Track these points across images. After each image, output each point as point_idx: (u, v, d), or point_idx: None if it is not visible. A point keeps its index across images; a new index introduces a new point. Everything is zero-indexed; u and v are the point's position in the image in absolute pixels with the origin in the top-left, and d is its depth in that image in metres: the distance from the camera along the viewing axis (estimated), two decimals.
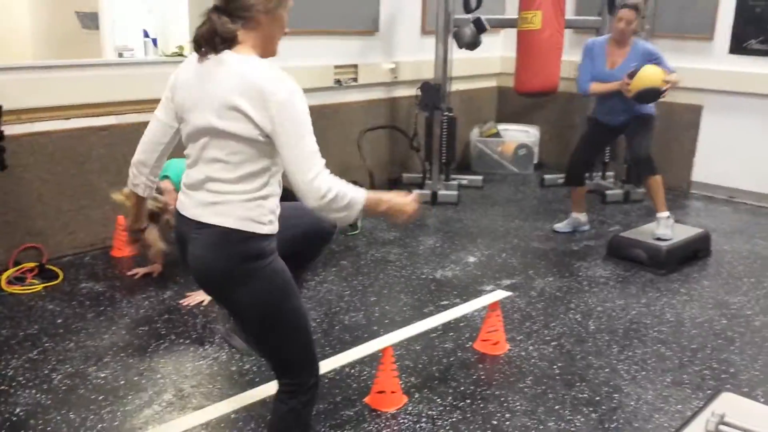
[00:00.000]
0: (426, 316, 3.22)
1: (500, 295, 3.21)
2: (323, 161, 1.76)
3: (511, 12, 6.25)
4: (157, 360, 2.97)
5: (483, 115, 6.74)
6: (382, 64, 5.63)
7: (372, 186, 5.34)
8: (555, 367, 2.99)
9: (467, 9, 5.33)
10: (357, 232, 4.59)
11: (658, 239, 4.21)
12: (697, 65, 5.56)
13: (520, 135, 6.52)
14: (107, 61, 4.42)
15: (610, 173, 5.92)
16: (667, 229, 4.27)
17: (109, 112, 4.17)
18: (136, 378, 2.82)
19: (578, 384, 2.86)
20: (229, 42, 1.78)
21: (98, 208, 4.18)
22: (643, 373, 2.97)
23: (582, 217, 4.80)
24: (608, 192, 5.61)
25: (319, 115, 5.25)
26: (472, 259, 4.22)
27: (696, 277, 4.09)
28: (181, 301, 3.52)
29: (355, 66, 5.43)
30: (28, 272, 3.76)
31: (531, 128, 6.57)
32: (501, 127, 6.59)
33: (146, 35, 4.36)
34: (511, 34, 6.00)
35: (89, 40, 6.26)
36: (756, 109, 5.51)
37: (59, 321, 3.29)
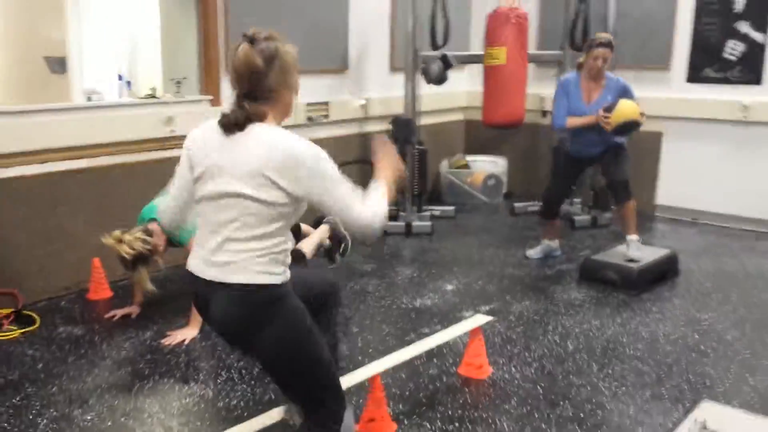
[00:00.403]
0: (408, 344, 3.25)
1: (482, 320, 3.27)
2: (359, 195, 1.97)
3: (476, 48, 6.45)
4: (143, 400, 2.95)
5: (452, 147, 6.89)
6: (352, 100, 5.75)
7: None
8: (538, 387, 3.05)
9: (434, 46, 5.48)
10: (335, 265, 4.62)
11: (630, 260, 4.33)
12: (657, 94, 5.78)
13: (488, 166, 6.66)
14: (81, 105, 4.44)
15: (577, 200, 6.07)
16: (638, 251, 4.40)
17: (82, 155, 4.18)
18: (122, 419, 2.81)
19: (562, 402, 2.92)
20: (257, 120, 1.96)
21: (72, 252, 4.16)
22: (623, 389, 3.04)
23: (553, 243, 4.92)
24: (576, 218, 5.75)
25: None
26: (449, 287, 4.29)
27: (667, 295, 4.20)
28: (162, 341, 3.51)
29: (327, 103, 5.53)
30: (5, 319, 3.71)
31: (499, 159, 6.73)
32: (469, 158, 6.74)
33: (120, 78, 4.40)
34: (476, 69, 6.19)
35: (57, 85, 6.29)
36: (714, 133, 5.73)
37: (39, 366, 3.26)
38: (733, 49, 5.54)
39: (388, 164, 2.14)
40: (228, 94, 4.77)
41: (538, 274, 4.58)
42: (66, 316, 3.84)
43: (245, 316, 1.96)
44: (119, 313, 3.82)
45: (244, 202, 1.91)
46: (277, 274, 1.97)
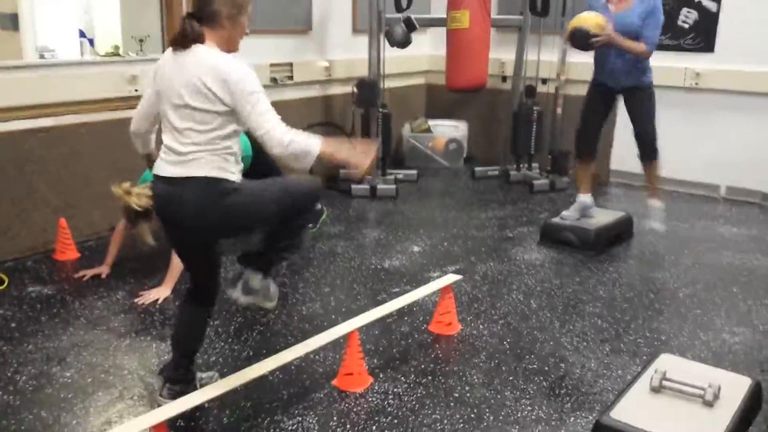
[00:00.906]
0: (380, 303, 3.36)
1: (452, 278, 3.38)
2: (278, 117, 2.22)
3: (437, 12, 6.48)
4: (121, 357, 3.00)
5: (413, 111, 6.95)
6: (316, 62, 5.75)
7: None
8: (505, 342, 3.20)
9: (398, 8, 5.50)
10: (315, 230, 4.69)
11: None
12: None
13: (449, 130, 6.76)
14: (41, 63, 4.35)
15: (535, 164, 6.23)
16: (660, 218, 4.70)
17: (46, 114, 4.11)
18: (102, 375, 2.85)
19: (527, 356, 3.08)
20: (197, 40, 2.25)
21: (38, 211, 4.12)
22: (584, 344, 3.22)
23: (588, 198, 4.62)
24: (535, 182, 5.91)
25: None
26: (416, 249, 4.40)
27: (622, 256, 4.40)
28: (135, 300, 3.54)
29: (290, 64, 5.52)
30: None
31: (460, 123, 6.82)
32: (431, 122, 6.82)
33: (82, 35, 4.31)
34: (438, 33, 6.23)
35: (8, 42, 6.09)
36: (667, 100, 5.91)
37: (13, 325, 3.26)
38: (687, 16, 5.71)
39: (358, 160, 2.35)
40: None
41: (501, 236, 4.73)
42: (34, 276, 3.83)
43: (201, 202, 2.27)
44: (89, 273, 3.82)
45: (191, 112, 2.24)
46: (231, 172, 2.30)
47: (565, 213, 4.63)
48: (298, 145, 2.21)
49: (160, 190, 2.37)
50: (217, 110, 2.23)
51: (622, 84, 4.30)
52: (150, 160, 2.64)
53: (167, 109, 2.30)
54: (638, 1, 4.12)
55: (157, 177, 2.37)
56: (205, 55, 2.24)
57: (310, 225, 4.70)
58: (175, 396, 2.51)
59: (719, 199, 5.78)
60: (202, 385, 2.63)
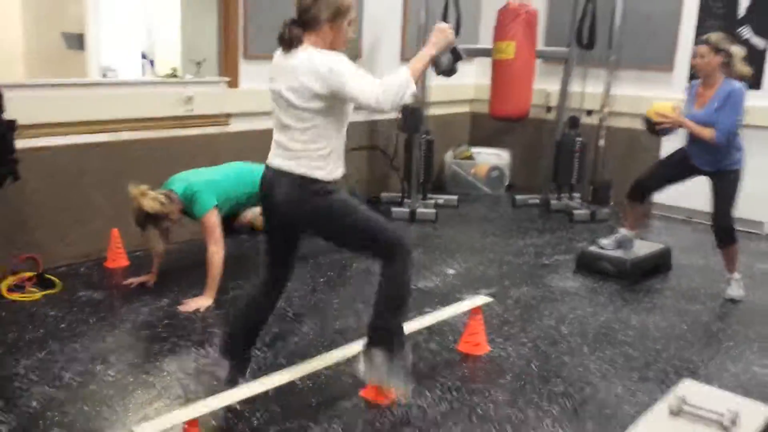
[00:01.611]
0: (411, 321, 3.45)
1: (481, 300, 3.45)
2: (368, 81, 2.42)
3: (484, 42, 6.61)
4: (162, 360, 3.15)
5: (457, 138, 7.06)
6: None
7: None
8: (532, 365, 3.25)
9: None
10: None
11: (731, 300, 4.21)
12: (659, 93, 5.94)
13: (492, 158, 6.84)
14: (104, 81, 4.62)
15: (576, 195, 6.25)
16: (740, 290, 4.26)
17: (104, 129, 4.36)
18: (143, 376, 3.00)
19: (554, 379, 3.12)
20: (297, 43, 2.50)
21: (93, 221, 4.35)
22: (612, 370, 3.24)
23: (629, 234, 4.59)
24: (575, 212, 5.93)
25: None
26: (451, 271, 4.48)
27: (659, 288, 4.40)
28: (178, 308, 3.71)
29: None
30: (27, 281, 3.90)
31: (502, 152, 6.90)
32: (474, 150, 6.92)
33: (144, 57, 4.56)
34: (484, 62, 6.36)
35: (74, 61, 6.45)
36: None
37: (62, 326, 3.45)
38: None
39: (434, 40, 2.64)
40: (246, 76, 4.98)
41: (537, 262, 4.78)
42: (86, 282, 4.04)
43: (291, 194, 2.55)
44: (136, 281, 4.01)
45: (294, 110, 2.50)
46: (322, 172, 2.55)
47: (603, 241, 4.64)
48: (391, 91, 2.41)
49: (265, 177, 2.66)
50: (315, 107, 2.47)
51: (701, 167, 4.20)
52: None
53: (276, 106, 2.59)
54: (715, 93, 4.01)
55: (266, 166, 2.66)
56: (304, 56, 2.47)
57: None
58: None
59: (762, 236, 5.70)
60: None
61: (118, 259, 4.33)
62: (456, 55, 5.57)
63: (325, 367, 2.92)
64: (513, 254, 4.93)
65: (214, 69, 4.96)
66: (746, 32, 5.62)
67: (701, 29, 5.83)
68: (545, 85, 6.62)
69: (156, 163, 4.56)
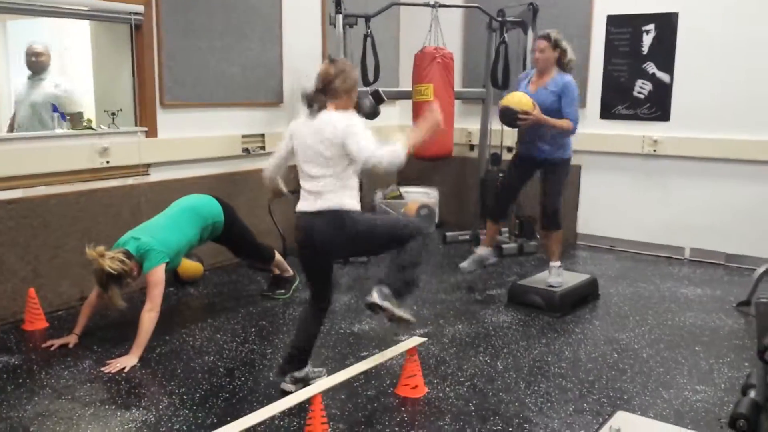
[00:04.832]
0: (347, 367, 3.38)
1: (416, 341, 3.43)
2: (374, 146, 2.93)
3: (404, 85, 6.72)
4: (85, 427, 2.98)
5: (385, 179, 7.10)
6: (287, 132, 5.88)
7: (284, 249, 5.51)
8: (470, 404, 3.23)
9: (366, 82, 5.70)
10: (287, 296, 4.74)
11: (551, 286, 4.61)
12: None
13: (420, 196, 6.90)
14: (14, 136, 4.43)
15: (504, 229, 6.35)
16: (558, 278, 4.68)
17: (17, 185, 4.17)
18: None
19: (492, 418, 3.11)
20: (322, 107, 3.10)
21: (7, 282, 4.13)
22: (549, 404, 3.25)
23: (486, 251, 5.00)
24: (504, 246, 6.02)
25: (229, 182, 5.42)
26: None
27: (588, 318, 4.48)
28: (102, 368, 3.53)
29: (262, 135, 5.67)
30: None
31: (430, 190, 6.98)
32: (403, 189, 6.96)
33: (55, 110, 4.43)
34: (406, 105, 6.45)
35: None
36: (626, 166, 6.15)
37: None
38: (642, 87, 5.98)
39: (425, 122, 3.15)
40: (164, 125, 4.89)
41: (469, 298, 4.80)
42: (1, 347, 3.81)
43: (327, 228, 3.05)
44: (57, 342, 3.81)
45: (321, 159, 3.03)
46: (351, 204, 3.08)
47: (463, 264, 5.02)
48: (388, 157, 2.92)
49: (299, 222, 3.14)
50: (338, 155, 3.00)
51: (540, 156, 4.60)
52: (275, 193, 3.66)
53: (303, 159, 3.11)
54: (551, 80, 4.48)
55: (298, 213, 3.14)
56: (327, 117, 3.06)
57: (282, 291, 4.75)
58: (295, 382, 3.26)
59: (684, 261, 5.92)
60: (312, 378, 3.29)
61: (36, 321, 4.11)
62: (377, 98, 5.70)
63: (258, 422, 2.81)
64: (445, 292, 4.94)
65: (130, 119, 4.85)
66: (651, 68, 5.90)
67: (609, 67, 6.10)
68: (466, 124, 6.77)
69: (74, 217, 4.39)
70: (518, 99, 4.40)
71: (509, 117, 4.43)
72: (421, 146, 5.77)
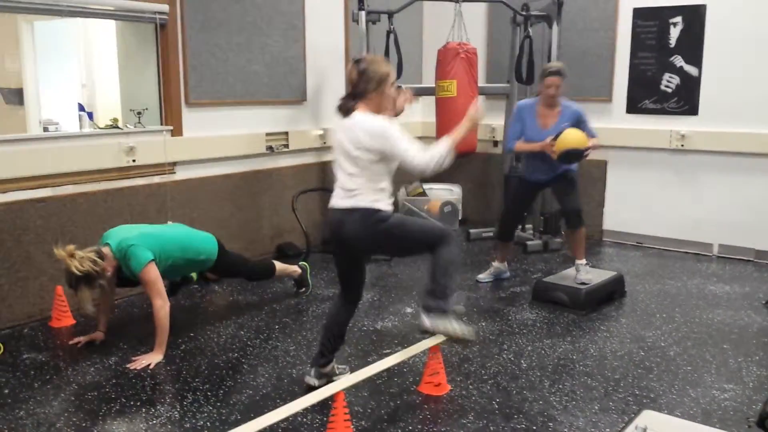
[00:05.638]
0: (370, 364, 3.38)
1: (439, 338, 3.41)
2: (416, 147, 2.97)
3: (427, 81, 6.69)
4: (110, 422, 3.01)
5: (408, 175, 7.05)
6: (311, 130, 5.91)
7: (308, 247, 5.52)
8: (494, 402, 3.21)
9: None
10: (308, 292, 4.75)
11: (582, 283, 4.57)
12: (600, 124, 6.04)
13: (444, 193, 6.87)
14: (42, 136, 4.48)
15: (528, 226, 6.31)
16: (588, 275, 4.66)
17: (45, 185, 4.23)
18: None
19: (516, 416, 3.08)
20: (353, 110, 3.08)
21: (35, 279, 4.19)
22: (573, 402, 3.22)
23: (503, 266, 5.15)
24: (529, 243, 5.98)
25: (254, 180, 5.45)
26: (408, 310, 4.44)
27: (614, 315, 4.43)
28: (127, 365, 3.57)
29: (286, 133, 5.69)
30: None
31: (454, 187, 6.94)
32: (426, 186, 6.94)
33: (81, 109, 4.47)
34: (430, 101, 6.42)
35: (13, 116, 6.30)
36: (653, 161, 6.06)
37: (6, 391, 3.28)
38: (669, 81, 5.89)
39: (468, 119, 3.16)
40: (189, 124, 4.93)
41: (493, 296, 4.77)
42: (30, 343, 3.86)
43: (359, 225, 3.05)
44: (83, 339, 3.86)
45: (355, 159, 3.02)
46: (383, 204, 3.08)
47: (481, 276, 5.14)
48: (437, 158, 2.97)
49: (333, 217, 3.15)
50: (372, 158, 3.00)
51: (545, 178, 4.77)
52: None
53: (340, 158, 3.11)
54: (561, 113, 4.64)
55: (332, 209, 3.15)
56: (359, 119, 3.05)
57: (303, 289, 4.75)
58: (320, 377, 3.30)
59: (712, 257, 5.82)
60: (336, 375, 3.35)
61: (63, 318, 4.17)
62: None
63: (281, 419, 2.82)
64: (470, 289, 4.91)
65: (156, 118, 4.89)
66: (678, 61, 5.81)
67: (635, 60, 6.02)
68: (490, 120, 6.71)
69: (101, 216, 4.44)
70: (577, 139, 4.46)
71: (578, 157, 4.54)
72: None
